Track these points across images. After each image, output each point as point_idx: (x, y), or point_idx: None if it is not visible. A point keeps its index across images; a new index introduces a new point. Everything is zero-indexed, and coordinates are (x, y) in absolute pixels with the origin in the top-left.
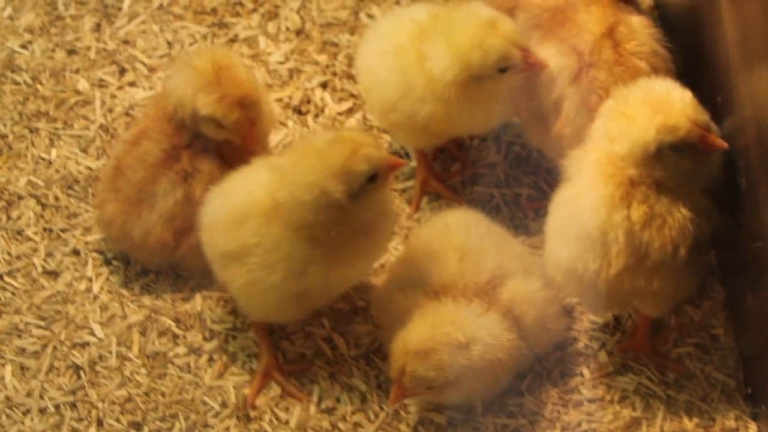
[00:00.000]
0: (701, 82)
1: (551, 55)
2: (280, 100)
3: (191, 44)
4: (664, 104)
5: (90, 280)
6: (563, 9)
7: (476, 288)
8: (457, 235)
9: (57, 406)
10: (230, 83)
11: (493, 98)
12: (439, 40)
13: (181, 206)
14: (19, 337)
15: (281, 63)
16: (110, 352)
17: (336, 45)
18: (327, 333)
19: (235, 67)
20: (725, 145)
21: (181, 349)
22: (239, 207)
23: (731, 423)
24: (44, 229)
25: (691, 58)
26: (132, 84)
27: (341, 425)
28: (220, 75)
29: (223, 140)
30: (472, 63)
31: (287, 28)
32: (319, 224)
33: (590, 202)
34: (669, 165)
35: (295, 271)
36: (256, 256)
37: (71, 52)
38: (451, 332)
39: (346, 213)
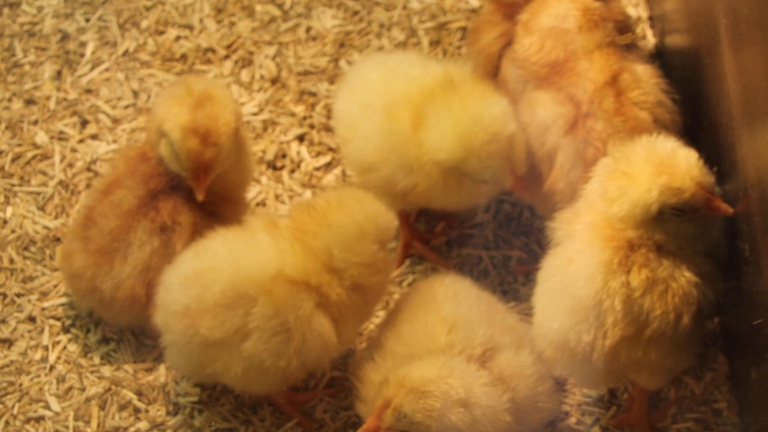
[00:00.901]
0: (703, 138)
1: (545, 103)
2: (253, 154)
3: (158, 93)
4: (668, 164)
5: (46, 348)
6: (564, 61)
7: (468, 361)
8: (446, 305)
9: None
10: (205, 114)
11: (480, 190)
12: (446, 118)
13: (157, 257)
14: None
15: (255, 114)
16: (67, 428)
17: (314, 95)
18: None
19: (221, 104)
20: (731, 210)
21: (143, 425)
22: (231, 286)
23: None
24: None
25: (692, 112)
26: (94, 137)
27: None
28: (202, 101)
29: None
30: (469, 165)
31: (262, 77)
32: (373, 263)
33: (584, 269)
34: (670, 228)
35: (311, 348)
36: (260, 342)
37: (29, 101)
38: (455, 385)
39: (385, 258)
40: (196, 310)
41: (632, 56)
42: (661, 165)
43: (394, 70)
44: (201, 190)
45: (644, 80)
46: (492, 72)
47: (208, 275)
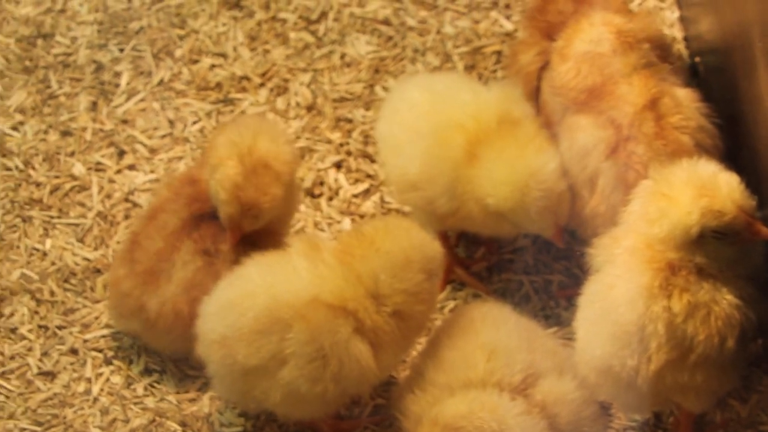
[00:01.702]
0: (742, 161)
1: (586, 128)
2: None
3: (194, 122)
4: (709, 187)
5: (89, 381)
6: (601, 85)
7: (508, 389)
8: (484, 332)
9: None
10: (255, 185)
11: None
12: (501, 166)
13: (200, 275)
14: None
15: (292, 142)
16: None
17: (350, 121)
18: None
19: (273, 174)
20: None
21: None
22: (266, 312)
23: None
24: (39, 327)
25: (730, 135)
26: (131, 167)
27: None
28: (257, 169)
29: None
30: (516, 216)
31: (297, 104)
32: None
33: (625, 295)
34: (710, 251)
35: (348, 374)
36: (296, 368)
37: (65, 133)
38: (487, 419)
39: (431, 288)
40: (232, 338)
41: (672, 78)
42: (702, 188)
43: (440, 92)
44: (231, 243)
45: (685, 104)
46: (531, 92)
47: (242, 302)
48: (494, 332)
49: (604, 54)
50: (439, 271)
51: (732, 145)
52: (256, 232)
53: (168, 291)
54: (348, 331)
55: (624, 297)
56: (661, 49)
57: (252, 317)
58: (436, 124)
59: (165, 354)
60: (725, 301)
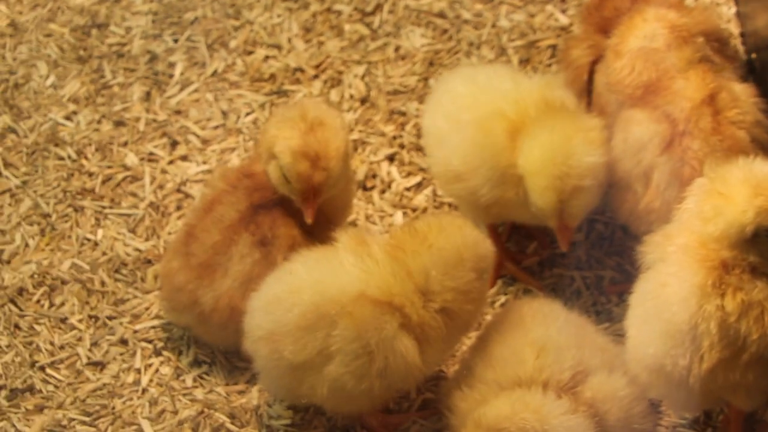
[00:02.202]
0: None
1: (641, 122)
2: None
3: (248, 114)
4: (765, 186)
5: (138, 371)
6: (657, 80)
7: (556, 386)
8: (534, 329)
9: None
10: (316, 139)
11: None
12: (542, 143)
13: (258, 268)
14: None
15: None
16: None
17: (404, 114)
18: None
19: (332, 130)
20: None
21: None
22: (312, 308)
23: None
24: (89, 317)
25: None
26: (184, 158)
27: None
28: (314, 126)
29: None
30: (530, 182)
31: (351, 96)
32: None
33: (678, 293)
34: (764, 250)
35: (394, 370)
36: (342, 364)
37: (119, 123)
38: (530, 420)
39: (481, 287)
40: (278, 334)
41: (729, 74)
42: (758, 187)
43: (482, 83)
44: (310, 213)
45: (742, 99)
46: (582, 86)
47: (289, 298)
48: (544, 329)
49: (659, 49)
50: (490, 271)
51: None
52: (317, 223)
53: (224, 285)
54: (394, 327)
55: (677, 296)
56: (719, 43)
57: (298, 313)
58: (477, 114)
59: (215, 346)
60: None
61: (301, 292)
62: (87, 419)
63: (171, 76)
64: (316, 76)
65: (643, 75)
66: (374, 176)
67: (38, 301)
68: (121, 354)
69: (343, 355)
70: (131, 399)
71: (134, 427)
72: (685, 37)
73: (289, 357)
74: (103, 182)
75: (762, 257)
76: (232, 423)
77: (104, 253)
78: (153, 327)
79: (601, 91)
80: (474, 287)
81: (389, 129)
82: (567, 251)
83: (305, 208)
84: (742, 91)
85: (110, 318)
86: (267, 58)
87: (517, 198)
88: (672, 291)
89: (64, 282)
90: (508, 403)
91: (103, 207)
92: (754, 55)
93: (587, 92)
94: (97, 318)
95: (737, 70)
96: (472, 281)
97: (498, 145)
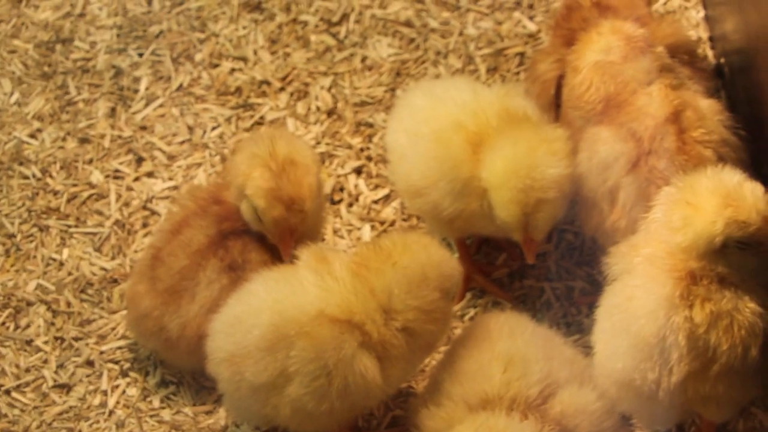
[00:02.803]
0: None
1: (606, 140)
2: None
3: (214, 128)
4: (734, 196)
5: (105, 393)
6: (617, 94)
7: (524, 402)
8: (501, 342)
9: None
10: (290, 181)
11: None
12: (505, 156)
13: (226, 294)
14: None
15: (312, 147)
16: None
17: (371, 126)
18: None
19: (304, 168)
20: None
21: None
22: (272, 329)
23: None
24: (55, 338)
25: (755, 134)
26: (150, 174)
27: None
28: (285, 166)
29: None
30: (494, 195)
31: (318, 108)
32: (431, 311)
33: (645, 305)
34: (733, 261)
35: (354, 390)
36: (301, 386)
37: (84, 140)
38: None
39: (445, 307)
40: (239, 355)
41: (695, 86)
42: (728, 197)
43: (440, 96)
44: (287, 252)
45: (708, 117)
46: (550, 101)
47: (248, 319)
48: (511, 342)
49: (615, 62)
50: (456, 290)
51: (757, 145)
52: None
53: (191, 311)
54: (353, 347)
55: (644, 308)
56: (689, 55)
57: (258, 334)
58: (435, 127)
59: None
60: (748, 309)
61: (260, 312)
62: None
63: (136, 91)
64: (282, 89)
65: (601, 90)
66: (341, 189)
67: (3, 323)
68: (88, 376)
69: (302, 375)
70: (98, 422)
71: None
72: (642, 48)
73: (251, 378)
74: (69, 201)
75: (730, 268)
76: None
77: (70, 273)
78: (119, 348)
79: (566, 108)
80: (437, 307)
81: (356, 141)
82: (534, 263)
83: (283, 248)
84: (708, 108)
85: (76, 339)
86: (233, 70)
87: (481, 210)
88: (639, 303)
89: (29, 303)
90: (473, 429)
91: (69, 226)
92: (722, 60)
93: (554, 107)
94: (63, 339)
95: (707, 82)
96: (436, 301)
97: (457, 157)
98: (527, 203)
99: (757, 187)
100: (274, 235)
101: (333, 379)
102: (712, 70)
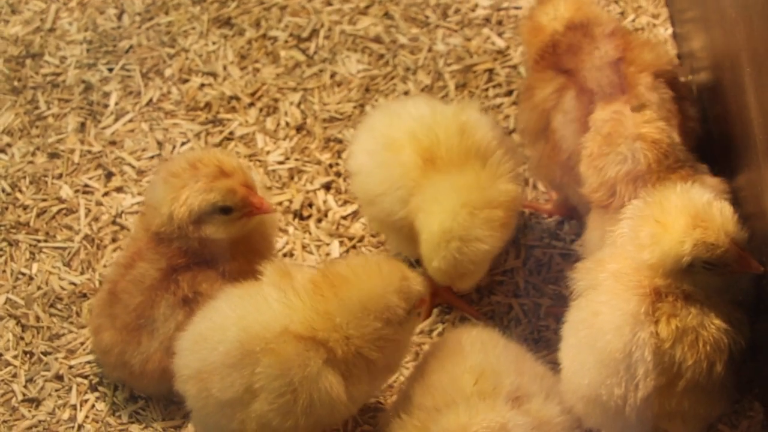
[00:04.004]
0: (732, 177)
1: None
2: (279, 204)
3: (183, 143)
4: (703, 217)
5: (74, 407)
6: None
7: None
8: (473, 355)
9: None
10: (204, 164)
11: None
12: (442, 220)
13: (183, 328)
14: None
15: (281, 163)
16: None
17: (340, 141)
18: None
19: (229, 159)
20: (761, 268)
21: None
22: (237, 345)
23: None
24: (24, 353)
25: (723, 150)
26: (119, 189)
27: None
28: (197, 166)
29: (223, 249)
30: (441, 279)
31: (287, 124)
32: (375, 339)
33: (611, 321)
34: (699, 280)
35: (319, 407)
36: (266, 402)
37: (53, 155)
38: (491, 418)
39: (393, 335)
40: (205, 372)
41: (700, 167)
42: (697, 217)
43: (397, 111)
44: (266, 206)
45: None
46: (542, 128)
47: (213, 336)
48: (482, 355)
49: (641, 170)
50: (400, 320)
51: (725, 161)
52: (238, 267)
53: (151, 348)
54: (318, 364)
55: (610, 324)
56: (670, 80)
57: (223, 351)
58: (390, 139)
59: None
60: (713, 325)
61: (225, 329)
62: None
63: (106, 106)
64: (251, 104)
65: (623, 197)
66: (310, 205)
67: None
68: (57, 390)
69: (267, 392)
70: None
71: None
72: (666, 153)
73: (217, 395)
74: (38, 215)
75: (696, 286)
76: None
77: (39, 288)
78: (89, 362)
79: (556, 128)
80: (381, 336)
81: (325, 157)
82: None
83: (259, 206)
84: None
85: (45, 353)
86: (202, 86)
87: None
88: (605, 319)
89: None
90: (465, 412)
91: (38, 240)
92: (690, 77)
93: (546, 135)
94: (32, 354)
95: (690, 108)
96: (378, 330)
97: (408, 163)
98: (453, 274)
99: (725, 207)
100: (242, 207)
101: (298, 396)
102: (693, 96)
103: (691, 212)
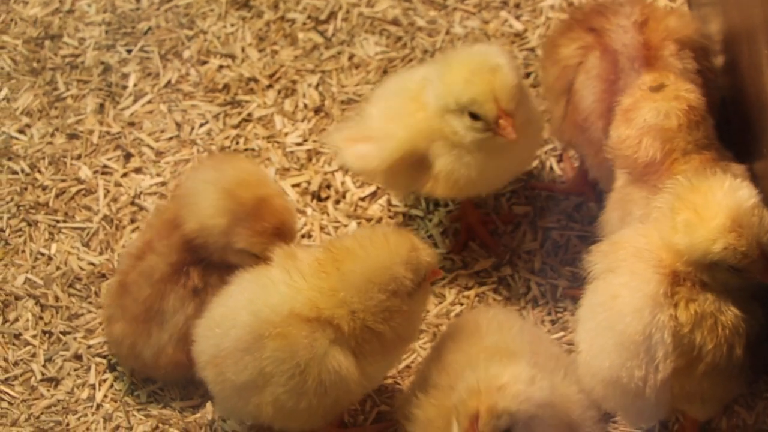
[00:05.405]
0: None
1: (639, 202)
2: (297, 185)
3: (202, 125)
4: (742, 222)
5: (93, 387)
6: (660, 162)
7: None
8: (490, 336)
9: None
10: (269, 214)
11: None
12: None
13: (192, 323)
14: None
15: (299, 144)
16: None
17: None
18: None
19: (272, 195)
20: None
21: None
22: (248, 329)
23: None
24: (43, 332)
25: (738, 137)
26: (138, 170)
27: None
28: (261, 207)
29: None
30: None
31: (305, 106)
32: (381, 311)
33: (630, 303)
34: (719, 276)
35: (330, 387)
36: (278, 385)
37: (72, 136)
38: (522, 371)
39: (400, 306)
40: (220, 357)
41: (728, 154)
42: (736, 220)
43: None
44: None
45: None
46: (565, 85)
47: (226, 321)
48: (499, 336)
49: (670, 129)
50: (407, 291)
51: (741, 147)
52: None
53: (162, 340)
54: (325, 344)
55: (629, 306)
56: (696, 50)
57: (234, 336)
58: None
59: None
60: (730, 312)
61: (236, 314)
62: None
63: (125, 87)
64: (269, 86)
65: (648, 153)
66: (328, 186)
67: None
68: (76, 370)
69: (277, 375)
70: (86, 415)
71: None
72: (698, 121)
73: (233, 378)
74: (57, 196)
75: (714, 281)
76: None
77: (58, 268)
78: (107, 342)
79: (578, 87)
80: (387, 307)
81: None
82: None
83: None
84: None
85: (64, 333)
86: (221, 67)
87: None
88: (624, 302)
89: (17, 297)
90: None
91: (57, 221)
92: None
93: (568, 93)
94: (51, 333)
95: (715, 81)
96: (384, 302)
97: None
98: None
99: (766, 216)
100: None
101: (308, 377)
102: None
103: (732, 213)
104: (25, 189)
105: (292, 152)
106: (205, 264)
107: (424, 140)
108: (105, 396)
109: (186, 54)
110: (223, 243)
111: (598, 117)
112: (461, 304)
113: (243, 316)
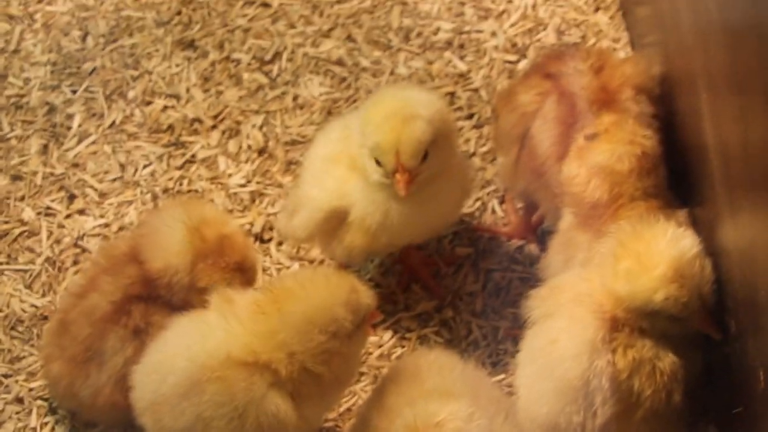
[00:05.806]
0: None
1: (582, 245)
2: (240, 226)
3: (145, 166)
4: (684, 272)
5: (34, 430)
6: (605, 205)
7: None
8: (430, 379)
9: None
10: (232, 250)
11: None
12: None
13: (132, 364)
14: None
15: (242, 186)
16: None
17: (301, 165)
18: None
19: (234, 233)
20: (719, 336)
21: None
22: (185, 375)
23: None
24: None
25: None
26: (81, 212)
27: None
28: (224, 244)
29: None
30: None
31: (249, 147)
32: (321, 353)
33: (569, 348)
34: (657, 323)
35: (269, 430)
36: (217, 430)
37: (16, 177)
38: (460, 407)
39: (340, 348)
40: (158, 403)
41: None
42: (678, 270)
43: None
44: None
45: None
46: (523, 133)
47: (163, 367)
48: (440, 378)
49: (621, 173)
50: (347, 333)
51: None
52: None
53: (100, 381)
54: (263, 388)
55: (568, 352)
56: (649, 94)
57: (172, 382)
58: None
59: None
60: (669, 358)
61: (173, 360)
62: None
63: (69, 128)
64: (214, 127)
65: (595, 193)
66: (271, 228)
67: None
68: (17, 413)
69: (217, 419)
70: None
71: None
72: (650, 169)
73: (171, 424)
74: (0, 238)
75: (653, 328)
76: None
77: (0, 310)
78: (45, 382)
79: (534, 132)
80: (326, 349)
81: (287, 180)
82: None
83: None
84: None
85: (6, 376)
86: (165, 108)
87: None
88: (563, 346)
89: None
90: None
91: (0, 263)
92: None
93: (522, 140)
94: None
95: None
96: (324, 344)
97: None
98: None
99: (707, 267)
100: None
101: (246, 421)
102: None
103: (674, 263)
104: None
105: (235, 193)
106: (149, 303)
107: (341, 198)
108: None
109: (131, 94)
110: (187, 282)
111: (555, 161)
112: (403, 347)
113: (180, 362)
